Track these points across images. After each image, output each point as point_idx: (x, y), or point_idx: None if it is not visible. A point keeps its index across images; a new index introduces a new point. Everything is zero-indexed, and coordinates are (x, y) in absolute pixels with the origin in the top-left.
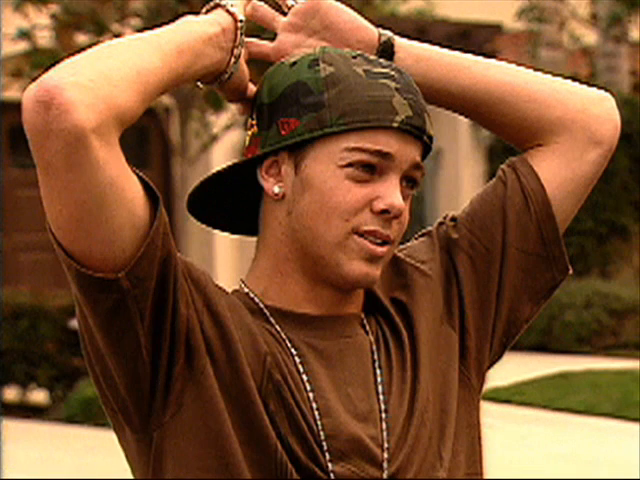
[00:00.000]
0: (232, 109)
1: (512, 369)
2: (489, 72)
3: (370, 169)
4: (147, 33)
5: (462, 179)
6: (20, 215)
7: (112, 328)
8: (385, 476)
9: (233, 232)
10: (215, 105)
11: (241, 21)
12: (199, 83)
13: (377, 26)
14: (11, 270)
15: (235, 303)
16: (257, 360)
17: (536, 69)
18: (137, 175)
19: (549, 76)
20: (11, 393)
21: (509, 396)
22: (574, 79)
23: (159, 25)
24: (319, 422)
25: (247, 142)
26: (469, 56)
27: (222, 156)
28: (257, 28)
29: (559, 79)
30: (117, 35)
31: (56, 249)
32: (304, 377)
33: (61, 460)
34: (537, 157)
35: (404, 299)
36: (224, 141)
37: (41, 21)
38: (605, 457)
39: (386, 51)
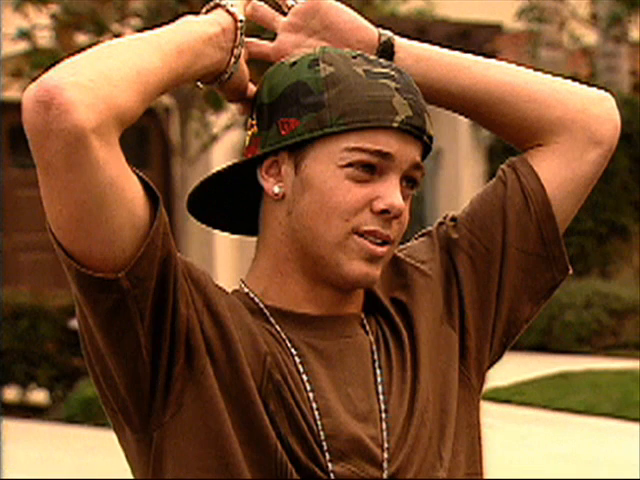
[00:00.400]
0: (232, 109)
1: (512, 369)
2: (489, 72)
3: (370, 169)
4: (147, 33)
5: (462, 179)
6: (20, 215)
7: (112, 328)
8: (385, 476)
9: (233, 232)
10: (215, 105)
11: (241, 21)
12: (199, 83)
13: (377, 26)
14: (11, 270)
15: (235, 303)
16: (257, 360)
17: (536, 69)
18: (137, 175)
19: (549, 76)
20: (11, 393)
21: (509, 396)
22: (574, 79)
23: (159, 25)
24: (319, 422)
25: (247, 142)
26: (469, 56)
27: (222, 156)
28: (257, 28)
29: (559, 79)
30: (117, 35)
31: (56, 249)
32: (304, 377)
33: (61, 460)
34: (537, 157)
35: (404, 299)
36: (224, 141)
37: (41, 21)
38: (605, 457)
39: (386, 51)
